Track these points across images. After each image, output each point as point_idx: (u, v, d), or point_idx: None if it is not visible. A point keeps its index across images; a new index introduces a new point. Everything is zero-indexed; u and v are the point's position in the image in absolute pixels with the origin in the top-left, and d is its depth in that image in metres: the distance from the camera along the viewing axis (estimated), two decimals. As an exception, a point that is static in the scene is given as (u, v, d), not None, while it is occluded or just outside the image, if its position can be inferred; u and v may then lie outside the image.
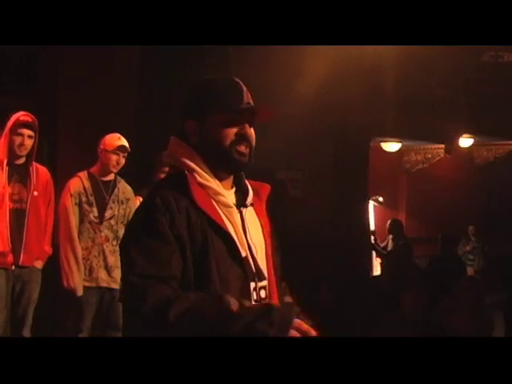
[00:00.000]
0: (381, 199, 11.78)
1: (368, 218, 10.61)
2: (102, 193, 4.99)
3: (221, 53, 6.15)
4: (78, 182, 4.95)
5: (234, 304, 1.85)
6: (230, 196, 2.15)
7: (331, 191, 8.69)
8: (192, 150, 2.12)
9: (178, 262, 1.97)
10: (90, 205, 4.94)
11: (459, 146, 11.88)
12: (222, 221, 2.07)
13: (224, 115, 2.10)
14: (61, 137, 6.78)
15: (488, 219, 12.03)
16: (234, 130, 2.10)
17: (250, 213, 2.19)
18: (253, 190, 2.24)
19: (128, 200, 5.10)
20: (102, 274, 4.97)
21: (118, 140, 4.95)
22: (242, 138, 2.11)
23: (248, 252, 2.11)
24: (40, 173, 4.94)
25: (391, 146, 11.67)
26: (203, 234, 2.01)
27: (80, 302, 4.93)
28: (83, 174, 5.00)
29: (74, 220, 4.89)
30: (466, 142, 11.81)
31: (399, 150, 11.96)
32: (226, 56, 6.17)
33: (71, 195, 4.90)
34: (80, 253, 4.89)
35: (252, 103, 2.16)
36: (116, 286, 5.01)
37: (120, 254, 2.08)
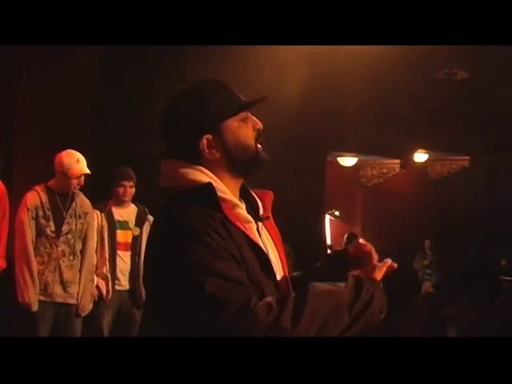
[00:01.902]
0: (337, 213, 11.90)
1: (324, 232, 10.68)
2: (59, 207, 4.90)
3: (177, 61, 6.14)
4: (35, 196, 4.86)
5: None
6: (245, 210, 1.99)
7: (287, 205, 8.71)
8: (197, 166, 1.94)
9: (245, 278, 1.82)
10: (47, 219, 4.85)
11: (414, 161, 12.08)
12: (255, 236, 1.94)
13: (236, 117, 1.97)
14: (17, 149, 6.70)
15: (443, 233, 12.20)
16: (250, 128, 1.99)
17: (264, 227, 2.05)
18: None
19: (86, 214, 5.03)
20: (58, 290, 4.88)
21: (77, 164, 4.81)
22: (258, 133, 2.00)
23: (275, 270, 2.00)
24: (-5, 186, 4.87)
25: (347, 161, 11.80)
26: (245, 250, 1.86)
27: (35, 316, 4.85)
28: (40, 188, 4.90)
29: (30, 234, 4.79)
30: (420, 157, 12.02)
31: (355, 164, 12.09)
32: (183, 65, 6.16)
33: (28, 209, 4.80)
34: (35, 267, 4.79)
35: None
36: (72, 301, 4.93)
37: (164, 282, 1.84)
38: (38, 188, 4.89)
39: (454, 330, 5.93)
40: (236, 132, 1.96)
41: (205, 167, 1.94)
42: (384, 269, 1.98)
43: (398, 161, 12.11)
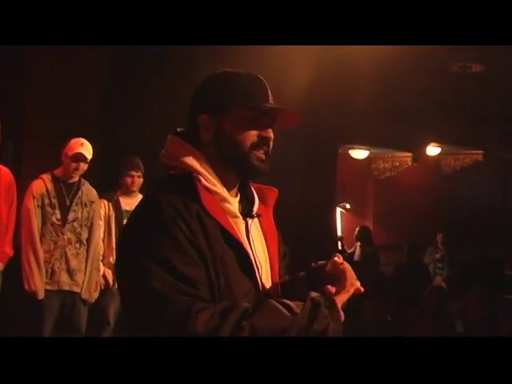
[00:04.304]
0: (348, 206, 11.86)
1: (335, 224, 10.66)
2: (64, 195, 4.94)
3: (188, 54, 6.12)
4: (41, 184, 4.90)
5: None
6: (235, 204, 1.94)
7: (298, 197, 8.69)
8: (195, 150, 1.88)
9: (202, 277, 1.75)
10: (53, 207, 4.89)
11: (427, 155, 11.99)
12: (235, 231, 1.86)
13: (248, 112, 1.86)
14: (27, 138, 6.72)
15: (455, 227, 12.12)
16: (255, 132, 1.87)
17: (255, 224, 1.98)
18: (259, 195, 2.03)
19: (92, 203, 5.06)
20: (64, 278, 4.92)
21: (80, 146, 4.89)
22: (263, 141, 1.89)
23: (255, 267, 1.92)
24: (3, 174, 4.88)
25: (359, 154, 11.75)
26: (218, 245, 1.79)
27: (41, 305, 4.88)
28: (46, 176, 4.95)
29: (36, 222, 4.83)
30: (433, 150, 11.93)
31: (367, 157, 12.04)
32: (194, 57, 6.14)
33: (34, 197, 4.85)
34: (42, 255, 4.84)
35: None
36: (78, 289, 4.97)
37: (122, 264, 1.84)
38: (44, 176, 4.95)
39: (462, 326, 5.91)
40: (236, 126, 1.87)
41: (203, 151, 1.89)
42: (351, 291, 1.92)
43: (411, 154, 12.02)
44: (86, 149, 4.92)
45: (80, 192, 5.00)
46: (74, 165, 4.91)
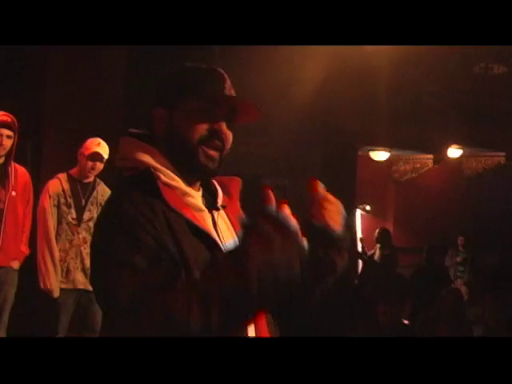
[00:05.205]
0: (368, 207, 11.84)
1: (354, 226, 10.63)
2: (80, 195, 4.99)
3: (207, 53, 6.14)
4: (57, 184, 4.95)
5: None
6: (198, 198, 1.85)
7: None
8: (149, 146, 1.80)
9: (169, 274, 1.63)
10: (69, 206, 4.93)
11: (448, 157, 11.91)
12: (201, 222, 1.78)
13: (198, 103, 1.77)
14: (45, 138, 6.76)
15: (476, 230, 12.04)
16: (205, 125, 1.78)
17: (221, 216, 1.91)
18: (222, 187, 1.96)
19: (107, 203, 5.09)
20: (79, 276, 4.95)
21: (97, 146, 4.94)
22: (213, 135, 1.78)
23: None
24: (19, 173, 4.93)
25: (380, 155, 11.70)
26: (186, 239, 1.70)
27: (56, 303, 4.91)
28: (62, 176, 5.00)
29: (51, 221, 4.88)
30: (455, 152, 11.85)
31: (388, 159, 11.99)
32: (213, 57, 6.16)
33: (50, 196, 4.89)
34: (57, 254, 4.88)
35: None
36: (93, 288, 5.00)
37: (94, 274, 1.77)
38: (60, 176, 5.01)
39: (480, 330, 5.85)
40: (185, 118, 1.79)
41: (157, 147, 1.81)
42: None
43: (432, 156, 11.98)
44: (103, 148, 4.96)
45: (95, 192, 5.04)
46: (90, 164, 4.95)
